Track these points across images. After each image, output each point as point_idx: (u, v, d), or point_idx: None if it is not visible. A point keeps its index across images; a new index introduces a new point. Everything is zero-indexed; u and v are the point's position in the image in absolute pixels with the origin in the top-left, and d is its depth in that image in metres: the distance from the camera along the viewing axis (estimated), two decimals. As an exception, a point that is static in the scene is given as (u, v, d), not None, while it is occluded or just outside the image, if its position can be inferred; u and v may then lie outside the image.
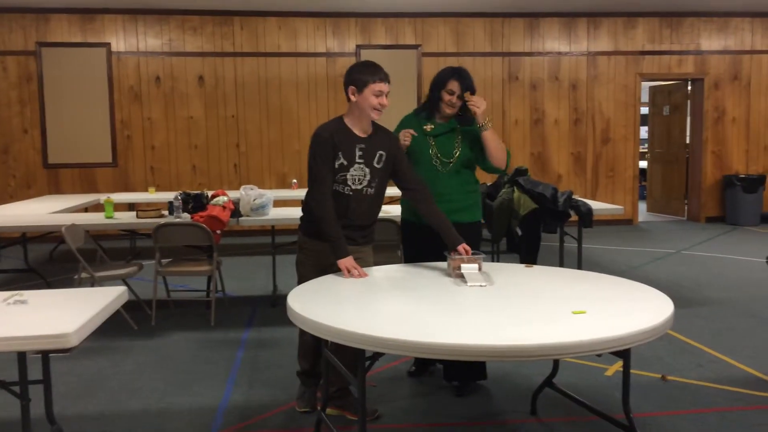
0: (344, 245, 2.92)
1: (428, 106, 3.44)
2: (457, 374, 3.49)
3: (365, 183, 3.01)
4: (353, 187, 2.99)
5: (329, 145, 2.93)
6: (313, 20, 9.09)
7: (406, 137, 3.27)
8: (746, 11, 9.61)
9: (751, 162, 9.98)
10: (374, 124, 3.06)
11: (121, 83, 8.87)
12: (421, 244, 3.33)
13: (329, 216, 2.93)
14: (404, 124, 3.50)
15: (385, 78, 2.94)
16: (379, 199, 3.14)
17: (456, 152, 3.36)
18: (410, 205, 3.37)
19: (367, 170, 3.00)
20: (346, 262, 2.88)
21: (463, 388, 3.48)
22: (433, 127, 3.39)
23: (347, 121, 3.01)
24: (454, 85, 3.31)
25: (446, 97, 3.32)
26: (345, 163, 2.96)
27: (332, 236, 2.92)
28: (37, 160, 8.80)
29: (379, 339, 2.05)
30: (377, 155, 3.02)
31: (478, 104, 3.25)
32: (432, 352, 2.01)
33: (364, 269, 2.97)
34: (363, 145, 2.99)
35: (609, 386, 3.55)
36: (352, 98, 2.96)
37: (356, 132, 3.00)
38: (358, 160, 2.97)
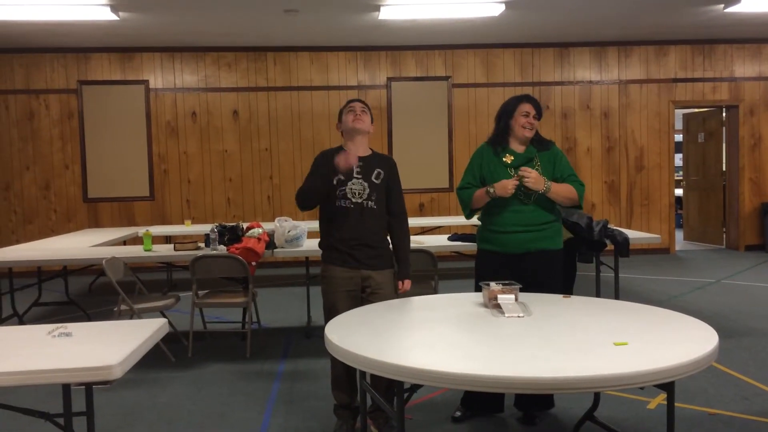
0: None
1: (499, 138, 3.45)
2: (526, 401, 3.48)
3: (365, 196, 3.23)
4: (353, 200, 3.21)
5: (320, 161, 3.28)
6: (344, 54, 9.25)
7: (510, 190, 3.26)
8: (781, 36, 9.50)
9: (790, 188, 9.77)
10: (374, 151, 3.38)
11: (159, 119, 9.10)
12: (498, 273, 3.25)
13: (303, 184, 3.25)
14: (483, 157, 3.47)
15: (353, 102, 3.36)
16: (383, 218, 3.31)
17: None
18: (487, 236, 3.43)
19: (366, 184, 3.24)
20: (337, 158, 3.12)
21: (528, 416, 3.44)
22: (512, 158, 3.38)
23: (345, 147, 3.33)
24: (527, 107, 3.37)
25: (522, 120, 3.36)
26: (342, 177, 3.20)
27: (313, 179, 3.21)
28: (78, 194, 9.02)
29: (418, 370, 2.04)
30: (375, 172, 3.28)
31: (527, 176, 3.25)
32: (471, 384, 1.99)
33: (385, 298, 3.17)
34: (361, 163, 3.25)
35: (652, 420, 3.47)
36: (339, 129, 3.38)
37: (354, 153, 3.26)
38: (356, 175, 3.22)
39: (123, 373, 2.11)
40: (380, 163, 3.33)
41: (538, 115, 3.40)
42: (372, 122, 3.37)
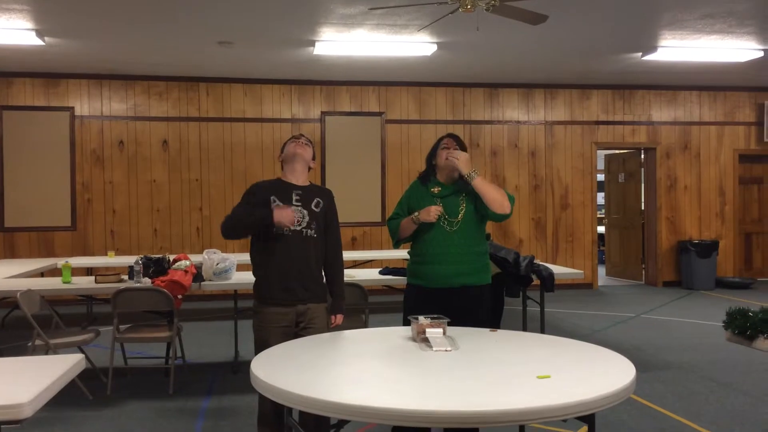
0: (260, 209, 3.16)
1: (428, 173, 3.56)
2: None
3: (304, 224, 3.21)
4: (292, 227, 3.17)
5: (252, 192, 3.27)
6: (278, 87, 9.26)
7: (433, 215, 3.32)
8: (693, 85, 10.11)
9: (703, 228, 10.30)
10: (312, 183, 3.40)
11: (84, 147, 8.82)
12: (427, 308, 3.24)
13: (233, 214, 3.20)
14: (412, 190, 3.58)
15: (297, 137, 3.40)
16: (321, 248, 3.30)
17: (461, 210, 3.41)
18: (415, 270, 3.46)
19: (306, 212, 3.23)
20: (277, 213, 3.11)
21: None
22: (440, 189, 3.47)
23: (283, 177, 3.34)
24: (446, 141, 3.52)
25: (443, 153, 3.47)
26: (281, 204, 3.18)
27: (247, 214, 3.17)
28: (-7, 223, 8.60)
29: (344, 406, 2.02)
30: (315, 201, 3.28)
31: (456, 156, 3.40)
32: (397, 418, 1.99)
33: (318, 332, 3.11)
34: (300, 192, 3.27)
35: (574, 452, 3.53)
36: (281, 159, 3.39)
37: (293, 182, 3.30)
38: (295, 203, 3.22)
39: (34, 412, 2.00)
40: (319, 193, 3.34)
41: (460, 147, 3.51)
42: (314, 159, 3.41)
